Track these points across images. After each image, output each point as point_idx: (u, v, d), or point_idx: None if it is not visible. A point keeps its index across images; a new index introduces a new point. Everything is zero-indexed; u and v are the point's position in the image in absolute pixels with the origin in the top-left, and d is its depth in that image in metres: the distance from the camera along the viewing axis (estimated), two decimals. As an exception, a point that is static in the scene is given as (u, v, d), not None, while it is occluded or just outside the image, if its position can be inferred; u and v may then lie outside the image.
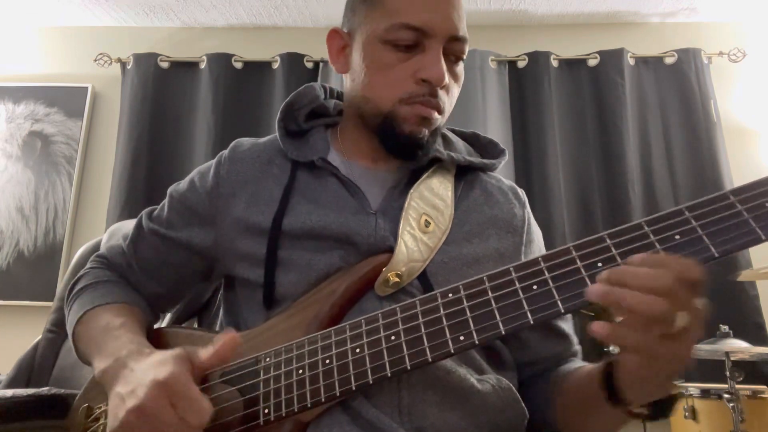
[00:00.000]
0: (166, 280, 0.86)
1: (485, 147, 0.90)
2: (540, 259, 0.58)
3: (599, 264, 0.55)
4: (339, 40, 0.84)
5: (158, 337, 0.78)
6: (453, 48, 0.77)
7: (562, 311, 0.55)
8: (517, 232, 0.81)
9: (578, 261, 0.56)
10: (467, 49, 0.80)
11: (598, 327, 0.51)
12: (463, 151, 0.86)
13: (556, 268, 0.57)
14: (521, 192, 0.89)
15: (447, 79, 0.76)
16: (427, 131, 0.77)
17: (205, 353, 0.63)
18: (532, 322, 0.56)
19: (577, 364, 0.80)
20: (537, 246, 0.85)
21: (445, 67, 0.75)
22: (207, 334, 0.76)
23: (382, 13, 0.77)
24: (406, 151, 0.78)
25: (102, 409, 0.73)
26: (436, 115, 0.77)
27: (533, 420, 0.76)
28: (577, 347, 0.83)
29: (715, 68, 2.64)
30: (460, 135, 0.92)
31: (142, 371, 0.63)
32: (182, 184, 0.87)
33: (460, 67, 0.81)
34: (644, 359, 0.52)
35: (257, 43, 2.81)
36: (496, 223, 0.80)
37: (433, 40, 0.75)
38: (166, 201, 0.87)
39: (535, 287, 0.57)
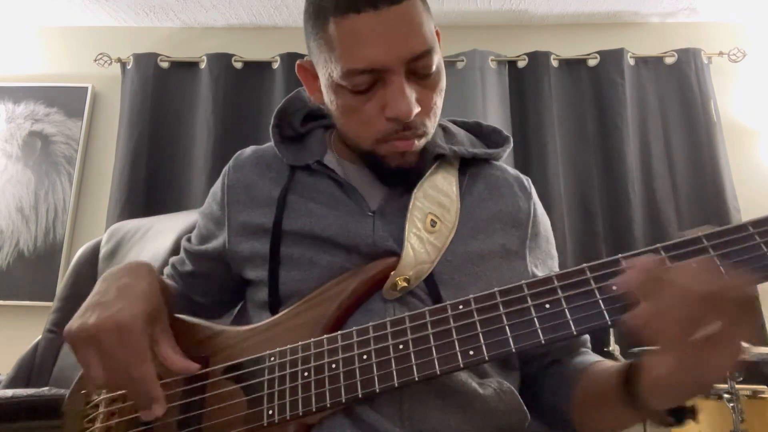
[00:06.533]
0: (204, 290, 0.91)
1: (489, 136, 0.89)
2: (554, 277, 0.58)
3: (614, 287, 0.55)
4: (309, 73, 0.80)
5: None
6: (416, 66, 0.70)
7: (575, 333, 0.55)
8: (522, 227, 0.81)
9: (592, 282, 0.56)
10: (435, 57, 0.72)
11: (636, 315, 0.50)
12: (465, 143, 0.84)
13: (570, 288, 0.57)
14: (527, 182, 0.87)
15: (415, 108, 0.69)
16: (413, 158, 0.75)
17: (171, 353, 0.68)
18: (543, 342, 0.55)
19: (592, 357, 0.78)
20: (543, 238, 0.84)
21: (412, 95, 0.69)
22: (211, 327, 0.76)
23: (332, 58, 0.70)
24: (397, 178, 0.77)
25: (101, 396, 0.73)
26: (417, 143, 0.73)
27: (542, 414, 0.75)
28: (587, 335, 0.81)
29: (715, 68, 2.64)
30: (462, 125, 0.90)
31: (118, 290, 0.69)
32: (204, 205, 0.92)
33: (435, 78, 0.73)
34: (675, 361, 0.50)
35: (257, 43, 2.81)
36: (501, 218, 0.79)
37: (389, 72, 0.68)
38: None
39: (547, 306, 0.57)
